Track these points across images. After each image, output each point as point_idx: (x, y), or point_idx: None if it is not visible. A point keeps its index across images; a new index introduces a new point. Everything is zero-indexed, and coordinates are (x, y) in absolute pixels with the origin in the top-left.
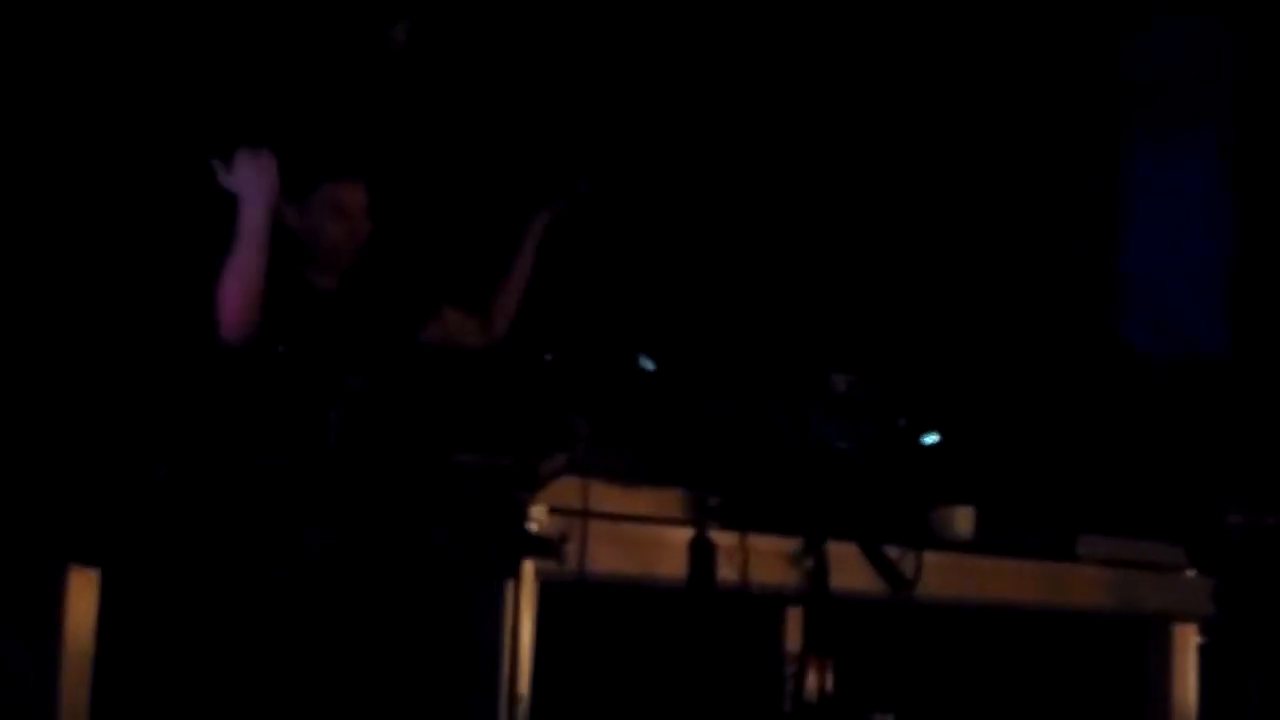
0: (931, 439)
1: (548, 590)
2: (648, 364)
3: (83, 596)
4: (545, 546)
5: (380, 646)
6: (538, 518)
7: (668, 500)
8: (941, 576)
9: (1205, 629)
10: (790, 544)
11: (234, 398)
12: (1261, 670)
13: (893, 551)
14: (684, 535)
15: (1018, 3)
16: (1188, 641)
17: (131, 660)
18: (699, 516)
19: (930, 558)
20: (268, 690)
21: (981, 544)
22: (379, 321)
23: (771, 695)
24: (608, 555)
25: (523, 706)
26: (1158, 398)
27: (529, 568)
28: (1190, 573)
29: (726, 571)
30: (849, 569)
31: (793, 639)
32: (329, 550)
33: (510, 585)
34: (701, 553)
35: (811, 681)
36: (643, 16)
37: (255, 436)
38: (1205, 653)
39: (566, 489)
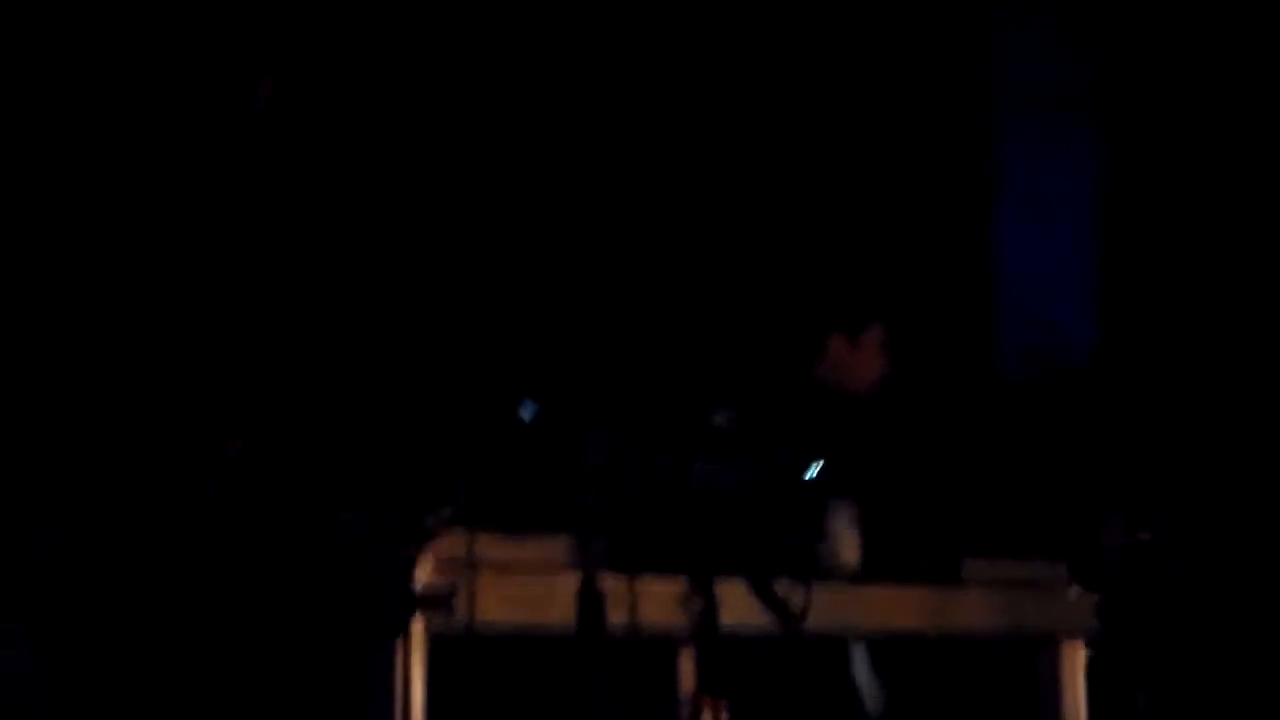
0: (814, 471)
1: (438, 643)
2: (527, 411)
3: None
4: (435, 601)
5: (272, 708)
6: (423, 573)
7: (554, 548)
8: (830, 608)
9: (1090, 645)
10: (679, 584)
11: (111, 473)
12: (1147, 683)
13: (780, 586)
14: (572, 582)
15: (888, 14)
16: (1075, 658)
17: None
18: (586, 562)
19: (818, 589)
20: None
21: (868, 573)
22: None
23: None
24: (497, 605)
25: None
26: (1032, 419)
27: (418, 622)
28: (1073, 590)
29: (616, 615)
30: (738, 606)
31: (686, 680)
32: (216, 614)
33: (400, 641)
34: (590, 598)
35: None
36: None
37: (135, 509)
38: (1091, 668)
39: (452, 541)
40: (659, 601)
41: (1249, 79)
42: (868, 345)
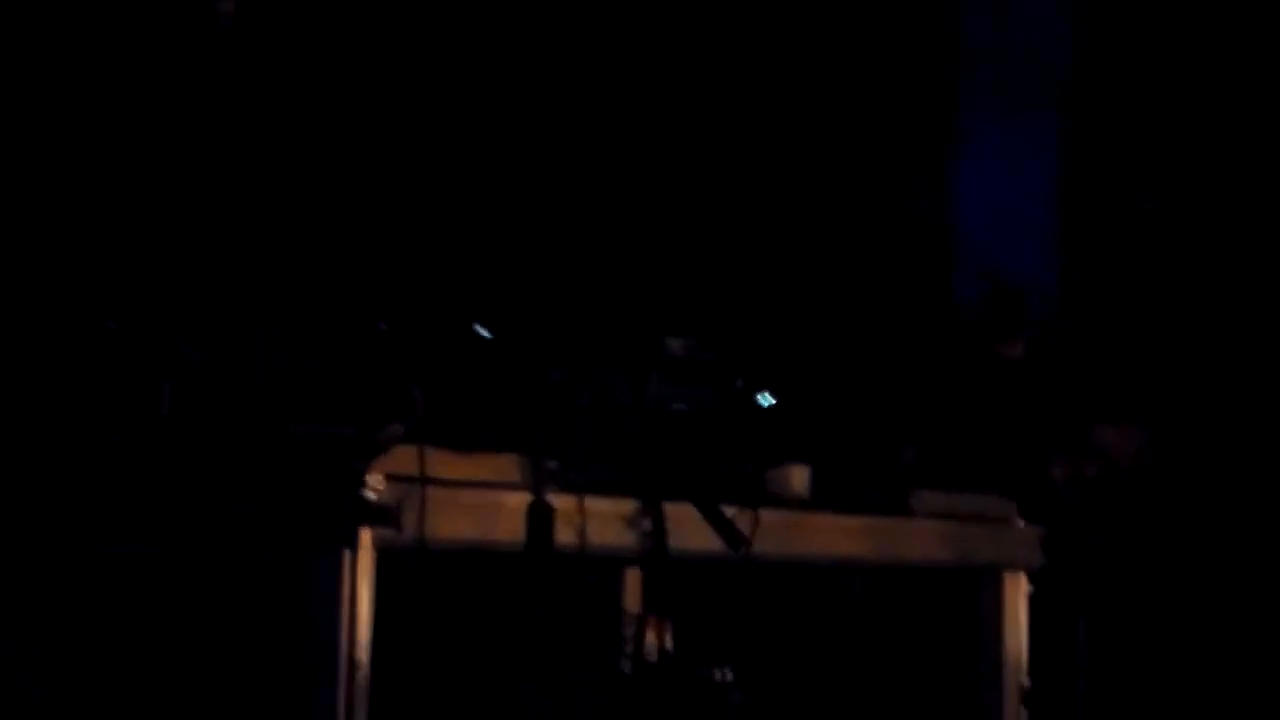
0: (767, 400)
1: (385, 558)
2: (483, 331)
3: None
4: (382, 514)
5: (217, 619)
6: (374, 486)
7: (505, 465)
8: (778, 534)
9: (1033, 578)
10: (628, 506)
11: (65, 374)
12: (1087, 617)
13: (730, 511)
14: (522, 500)
15: None
16: (1018, 591)
17: None
18: (536, 481)
19: (767, 516)
20: (105, 665)
21: (817, 501)
22: None
23: (611, 656)
24: (445, 521)
25: (362, 674)
26: (984, 355)
27: (366, 536)
28: (1019, 524)
29: (565, 534)
30: (687, 529)
31: (632, 600)
32: (165, 524)
33: (347, 554)
34: (539, 516)
35: (651, 641)
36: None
37: (88, 412)
38: (1033, 601)
39: (403, 456)
40: (608, 521)
41: (1210, 35)
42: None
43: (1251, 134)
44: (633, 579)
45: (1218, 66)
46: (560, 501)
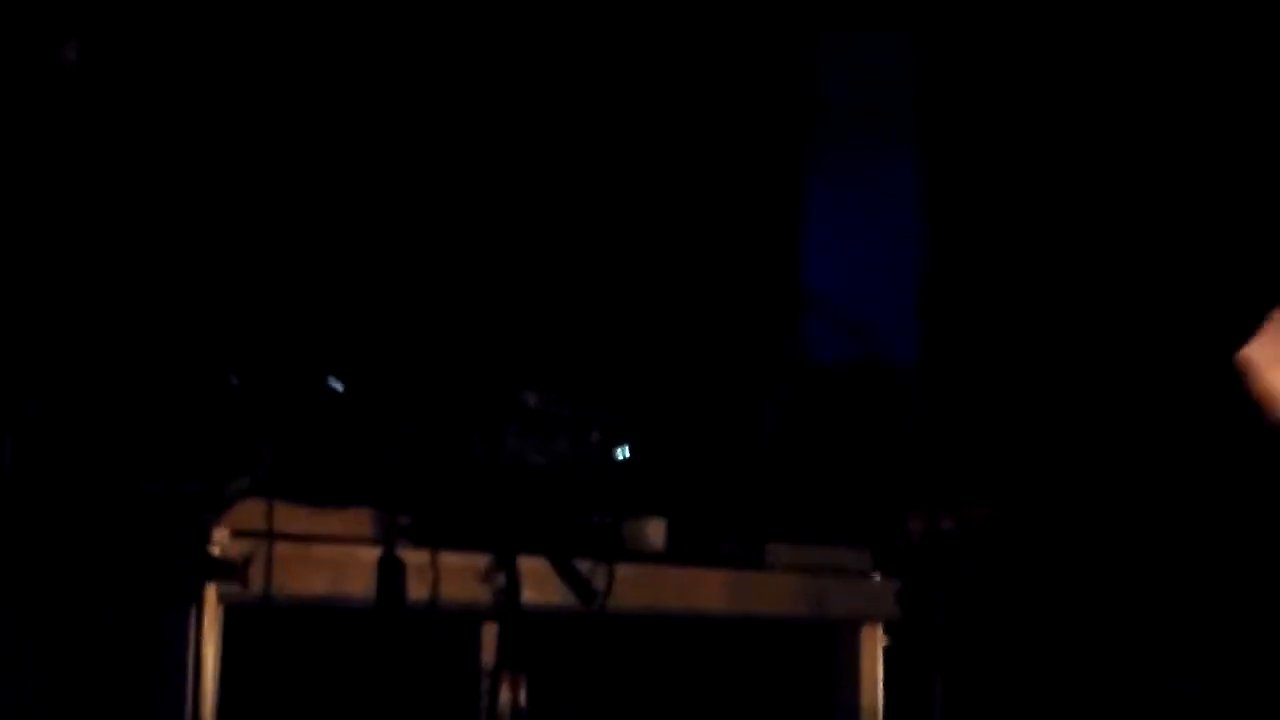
0: (623, 454)
1: (233, 614)
2: (335, 384)
3: None
4: (228, 569)
5: (59, 677)
6: (220, 541)
7: (356, 520)
8: (634, 588)
9: (889, 630)
10: (482, 560)
11: None
12: (943, 669)
13: (585, 565)
14: (373, 554)
15: (702, 15)
16: (874, 644)
17: None
18: (388, 535)
19: (623, 569)
20: None
21: (673, 555)
22: None
23: (466, 712)
24: (295, 576)
25: None
26: (839, 406)
27: (212, 592)
28: (876, 576)
29: (417, 589)
30: (541, 583)
31: (486, 655)
32: (5, 580)
33: (193, 610)
34: (390, 571)
35: (505, 697)
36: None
37: None
38: (890, 654)
39: (251, 511)
40: (461, 576)
41: (1064, 78)
42: None
43: (1107, 170)
44: (488, 634)
45: (1072, 109)
46: (412, 556)
